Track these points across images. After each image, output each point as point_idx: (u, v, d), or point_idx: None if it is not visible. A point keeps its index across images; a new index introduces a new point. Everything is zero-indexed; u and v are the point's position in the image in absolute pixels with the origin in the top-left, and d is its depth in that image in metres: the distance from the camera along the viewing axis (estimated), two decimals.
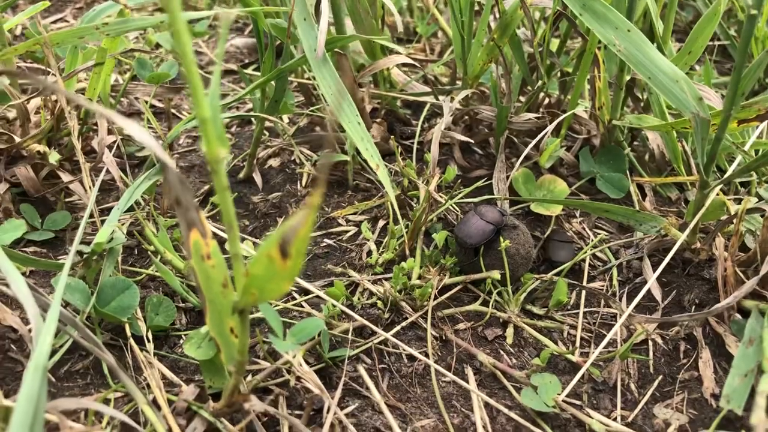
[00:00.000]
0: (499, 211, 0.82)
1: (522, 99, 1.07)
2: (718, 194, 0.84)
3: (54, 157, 0.80)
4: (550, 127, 0.91)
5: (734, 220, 0.78)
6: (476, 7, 1.12)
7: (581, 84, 0.96)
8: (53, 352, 0.68)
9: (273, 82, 0.91)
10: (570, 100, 0.98)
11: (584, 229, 0.95)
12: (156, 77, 0.97)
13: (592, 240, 0.92)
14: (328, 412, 0.63)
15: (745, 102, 0.75)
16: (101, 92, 1.00)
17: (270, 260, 0.40)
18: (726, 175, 0.77)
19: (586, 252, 0.88)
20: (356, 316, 0.73)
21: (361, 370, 0.70)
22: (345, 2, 0.95)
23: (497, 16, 0.98)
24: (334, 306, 0.74)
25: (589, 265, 0.89)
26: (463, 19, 0.93)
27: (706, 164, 0.76)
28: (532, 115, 0.96)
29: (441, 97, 1.07)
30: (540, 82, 0.97)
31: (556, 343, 0.78)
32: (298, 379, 0.68)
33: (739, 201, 0.96)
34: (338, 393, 0.66)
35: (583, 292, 0.84)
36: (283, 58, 0.92)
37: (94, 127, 1.01)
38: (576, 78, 0.96)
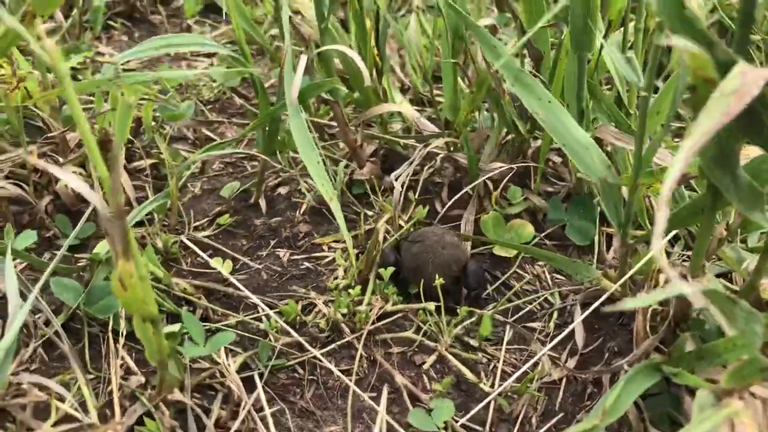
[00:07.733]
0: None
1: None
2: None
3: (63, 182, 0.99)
4: (509, 183, 1.00)
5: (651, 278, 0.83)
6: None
7: (549, 136, 1.03)
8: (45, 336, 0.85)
9: None
10: (541, 149, 1.06)
11: (544, 272, 1.03)
12: (172, 116, 1.14)
13: (548, 284, 1.00)
14: (244, 408, 0.76)
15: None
16: (145, 123, 1.20)
17: (119, 291, 0.55)
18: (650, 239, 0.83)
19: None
20: (293, 332, 0.85)
21: (283, 379, 0.82)
22: (338, 55, 1.08)
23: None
24: (276, 322, 0.86)
25: (538, 306, 0.97)
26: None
27: (623, 226, 0.82)
28: (499, 165, 1.04)
29: (434, 140, 1.17)
30: (511, 136, 1.05)
31: (479, 374, 0.87)
32: None
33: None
34: (254, 395, 0.79)
35: (515, 330, 0.92)
36: (278, 98, 1.06)
37: (136, 150, 1.21)
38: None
